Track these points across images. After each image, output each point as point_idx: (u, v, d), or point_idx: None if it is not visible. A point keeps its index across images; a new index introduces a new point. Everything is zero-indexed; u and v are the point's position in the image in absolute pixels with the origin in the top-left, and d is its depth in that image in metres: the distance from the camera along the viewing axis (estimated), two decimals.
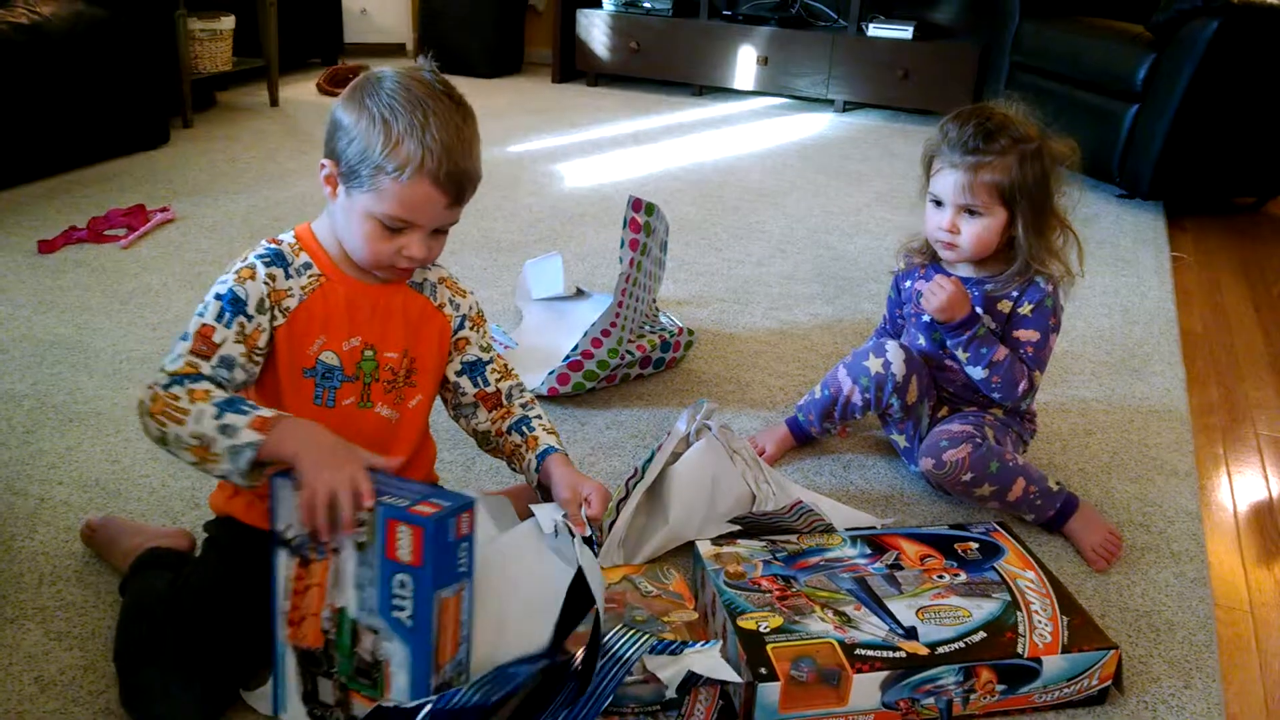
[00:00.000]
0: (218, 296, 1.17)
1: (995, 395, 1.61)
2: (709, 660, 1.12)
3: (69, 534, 1.46)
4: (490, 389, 1.37)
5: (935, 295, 1.56)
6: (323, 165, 1.20)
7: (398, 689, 1.06)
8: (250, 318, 1.17)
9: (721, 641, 1.18)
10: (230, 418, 1.08)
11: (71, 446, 1.68)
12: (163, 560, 1.32)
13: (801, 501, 1.48)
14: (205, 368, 1.14)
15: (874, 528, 1.52)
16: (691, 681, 1.17)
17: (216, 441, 1.08)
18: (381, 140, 1.12)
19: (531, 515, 1.24)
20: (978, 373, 1.59)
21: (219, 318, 1.16)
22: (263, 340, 1.19)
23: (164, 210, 2.79)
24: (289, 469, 1.08)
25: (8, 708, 1.16)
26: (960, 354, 1.59)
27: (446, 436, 1.67)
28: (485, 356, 1.37)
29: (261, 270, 1.19)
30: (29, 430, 1.72)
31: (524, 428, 1.36)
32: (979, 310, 1.59)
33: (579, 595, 1.11)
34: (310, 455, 1.07)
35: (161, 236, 2.66)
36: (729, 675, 1.12)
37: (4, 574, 1.37)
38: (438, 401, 1.39)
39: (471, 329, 1.36)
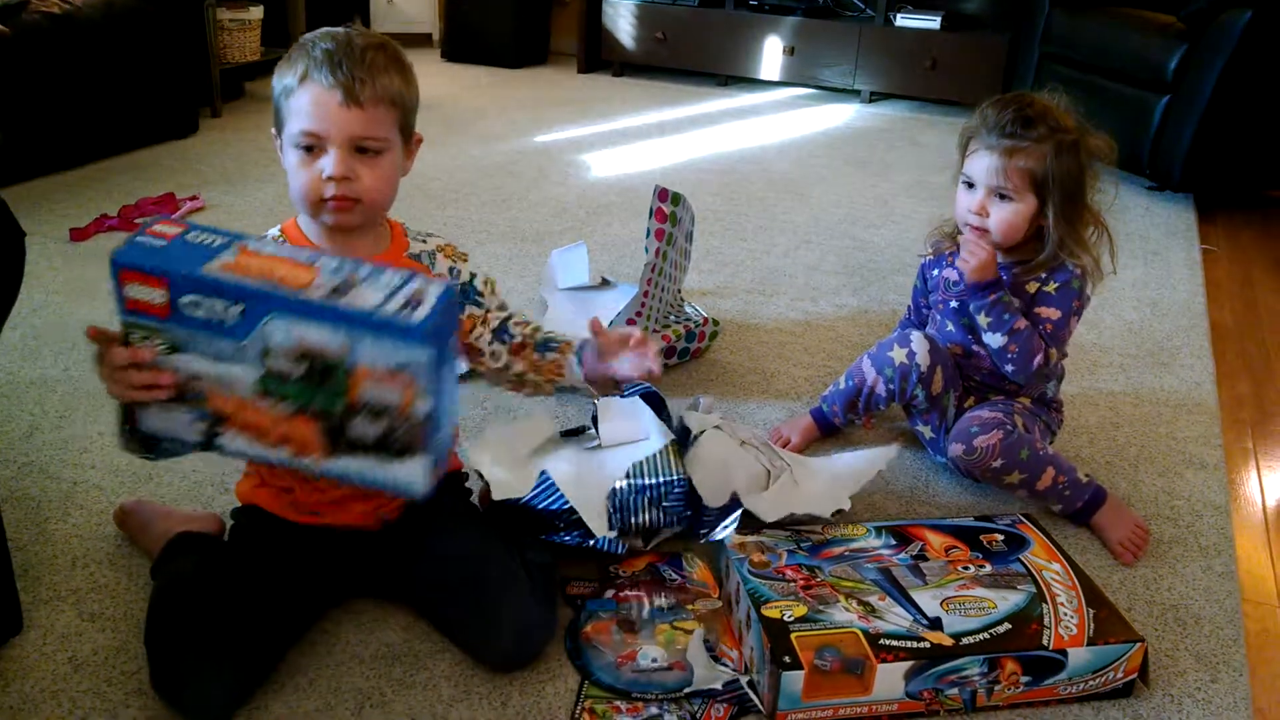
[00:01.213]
0: None
1: (1009, 368, 1.60)
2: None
3: (102, 518, 1.48)
4: (517, 339, 1.34)
5: (974, 254, 1.55)
6: (273, 134, 1.25)
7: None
8: None
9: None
10: None
11: (103, 432, 1.70)
12: (193, 544, 1.34)
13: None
14: None
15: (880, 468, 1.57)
16: (712, 694, 1.19)
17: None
18: (285, 70, 1.20)
19: None
20: (996, 339, 1.58)
21: None
22: None
23: (193, 199, 2.82)
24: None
25: (42, 686, 1.18)
26: (982, 319, 1.58)
27: None
28: (504, 315, 1.36)
29: None
30: (62, 415, 1.74)
31: (550, 343, 1.34)
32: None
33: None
34: None
35: None
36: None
37: (38, 556, 1.40)
38: None
39: (490, 295, 1.36)
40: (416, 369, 0.98)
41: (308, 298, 0.96)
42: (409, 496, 1.08)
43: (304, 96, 1.17)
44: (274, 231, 1.28)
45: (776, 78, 4.72)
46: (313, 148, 1.18)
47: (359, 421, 1.02)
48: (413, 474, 1.05)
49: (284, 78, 1.19)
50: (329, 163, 1.18)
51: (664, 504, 1.40)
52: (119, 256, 0.96)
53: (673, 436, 1.49)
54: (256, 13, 3.89)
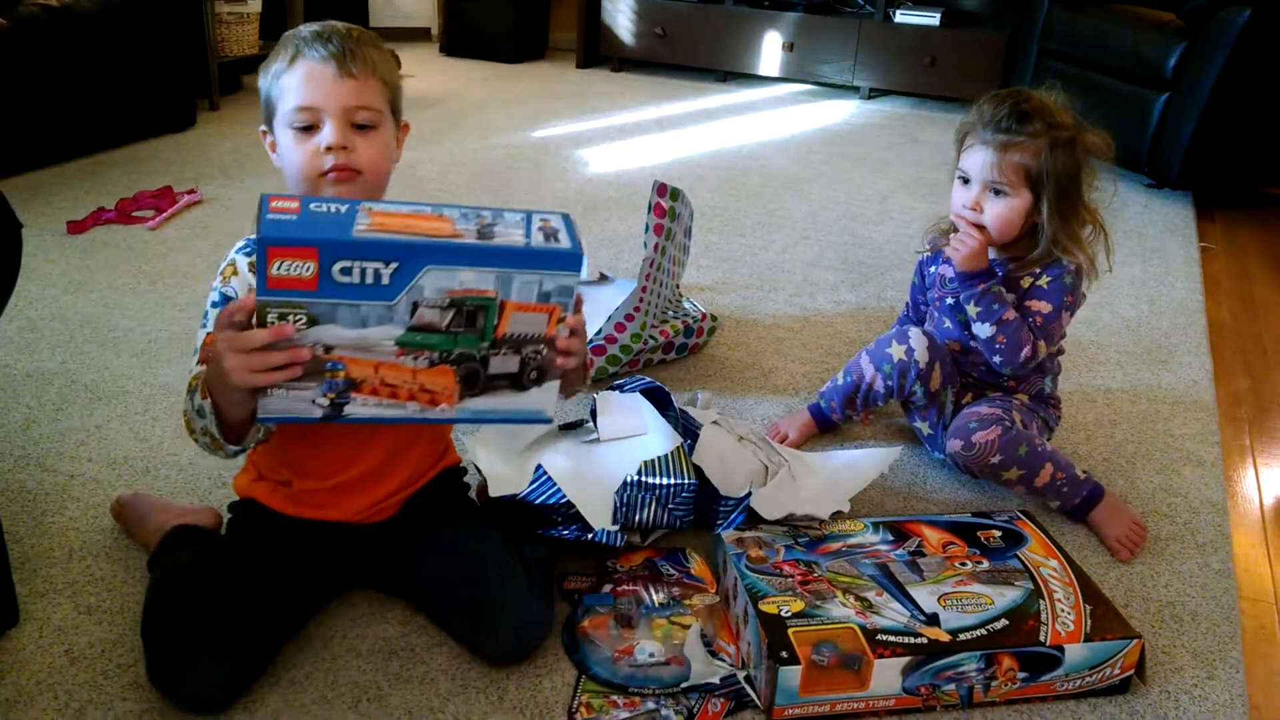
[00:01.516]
0: (212, 304, 1.20)
1: (997, 359, 1.60)
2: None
3: (98, 510, 1.48)
4: None
5: (964, 243, 1.56)
6: (262, 133, 1.26)
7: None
8: None
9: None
10: (197, 398, 1.11)
11: (100, 424, 1.70)
12: (190, 537, 1.34)
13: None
14: None
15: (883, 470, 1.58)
16: (709, 689, 1.19)
17: (206, 424, 1.11)
18: (274, 59, 1.21)
19: None
20: (985, 330, 1.58)
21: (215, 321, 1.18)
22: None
23: (191, 192, 2.81)
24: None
25: (39, 679, 1.18)
26: (971, 308, 1.58)
27: None
28: None
29: (243, 262, 1.22)
30: (59, 408, 1.74)
31: None
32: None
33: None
34: (216, 373, 1.04)
35: (189, 218, 2.68)
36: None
37: (35, 549, 1.39)
38: None
39: None
40: (564, 293, 1.02)
41: (464, 243, 0.97)
42: (539, 423, 1.12)
43: (296, 74, 1.18)
44: None
45: (776, 74, 4.72)
46: (309, 126, 1.18)
47: (499, 359, 1.05)
48: (544, 400, 1.09)
49: (272, 66, 1.21)
50: (327, 133, 1.18)
51: (669, 505, 1.40)
52: (266, 233, 0.92)
53: (679, 439, 1.49)
54: (255, 6, 3.89)
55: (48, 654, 1.22)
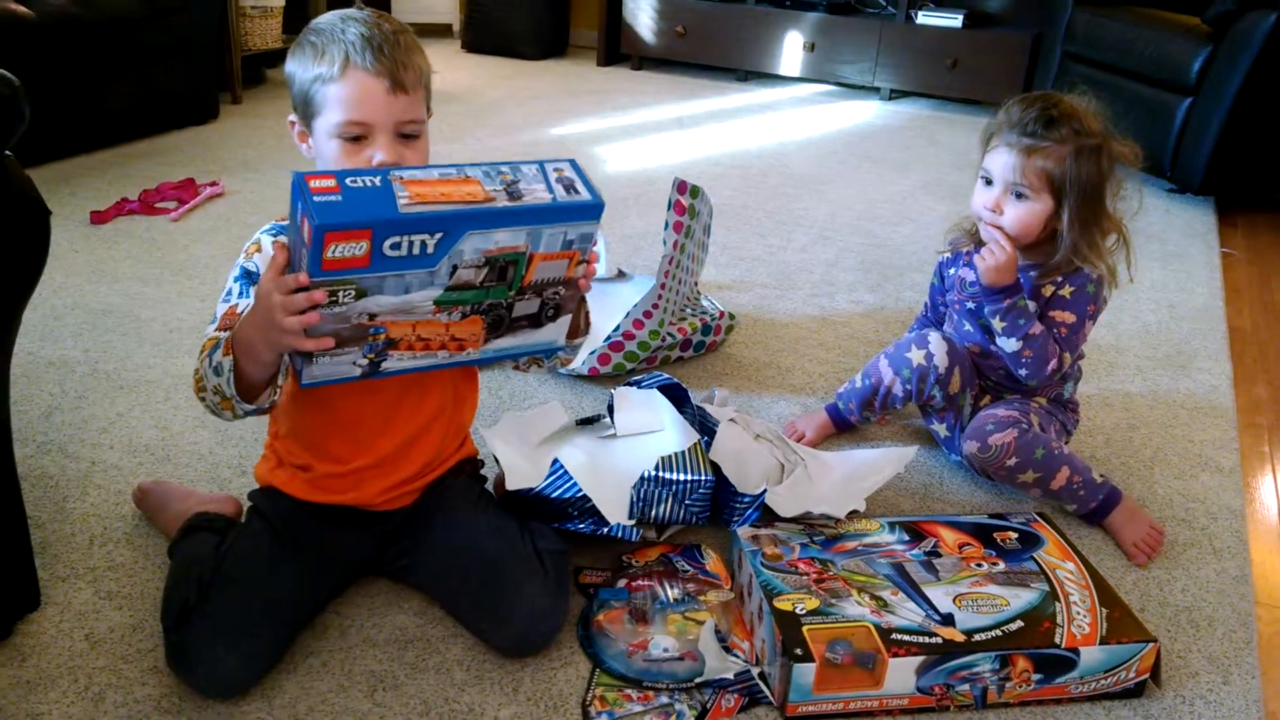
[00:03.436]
0: (234, 279, 1.21)
1: (1023, 372, 1.59)
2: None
3: (119, 497, 1.49)
4: None
5: (992, 255, 1.54)
6: (291, 123, 1.24)
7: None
8: None
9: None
10: (216, 355, 1.12)
11: (122, 412, 1.71)
12: (210, 525, 1.35)
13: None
14: (225, 336, 1.16)
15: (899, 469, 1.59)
16: (722, 685, 1.19)
17: (220, 382, 1.11)
18: (312, 57, 1.18)
19: None
20: (1011, 344, 1.57)
21: (239, 294, 1.20)
22: None
23: (213, 184, 2.83)
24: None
25: (59, 663, 1.19)
26: (997, 323, 1.57)
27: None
28: None
29: (267, 241, 1.23)
30: (81, 396, 1.76)
31: None
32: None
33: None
34: (252, 336, 1.06)
35: (211, 209, 2.70)
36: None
37: (57, 534, 1.41)
38: None
39: None
40: (585, 240, 1.09)
41: (499, 207, 1.01)
42: (552, 354, 1.23)
43: (348, 86, 1.16)
44: None
45: (796, 74, 4.71)
46: (358, 137, 1.18)
47: (523, 303, 1.12)
48: (557, 332, 1.18)
49: (316, 66, 1.17)
50: (380, 151, 1.18)
51: (686, 501, 1.40)
52: (323, 220, 0.93)
53: (697, 436, 1.49)
54: (278, 0, 3.90)
55: (68, 638, 1.23)
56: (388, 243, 0.97)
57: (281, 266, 1.02)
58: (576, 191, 1.05)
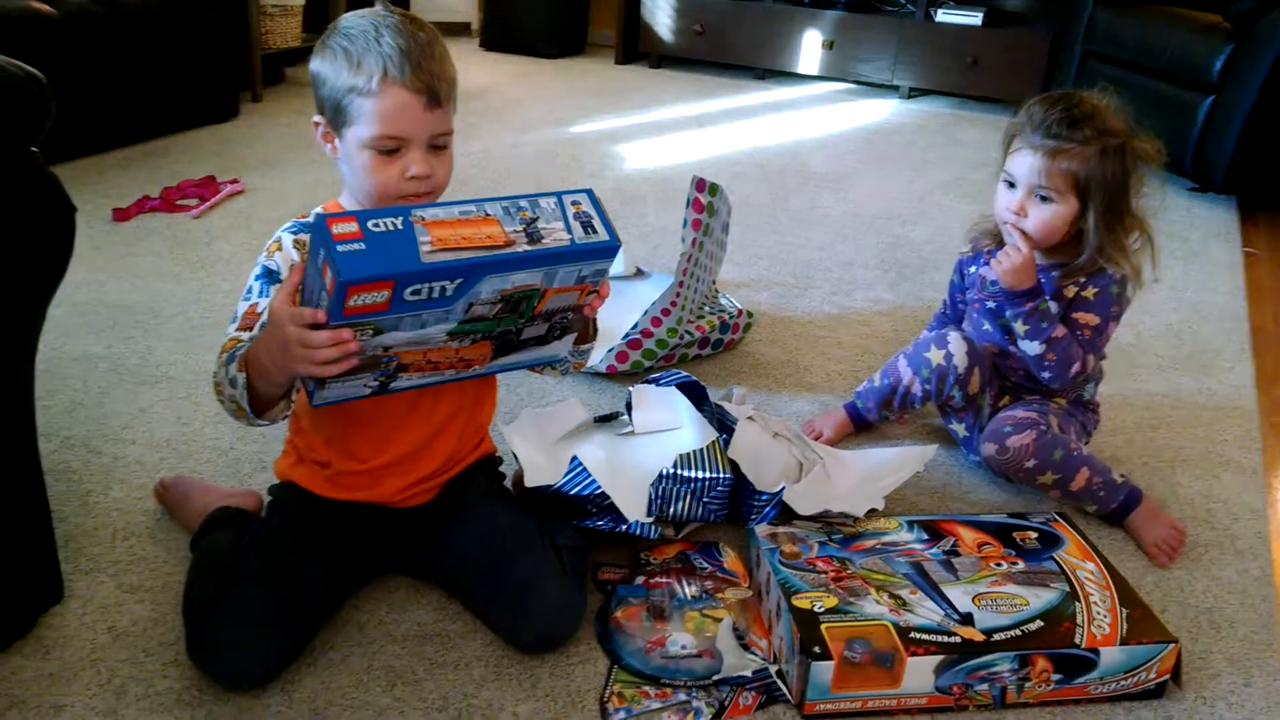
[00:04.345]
0: (255, 278, 1.21)
1: (1046, 375, 1.58)
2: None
3: (142, 492, 1.50)
4: None
5: (1009, 257, 1.53)
6: (315, 124, 1.23)
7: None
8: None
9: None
10: (232, 369, 1.12)
11: (144, 408, 1.73)
12: (231, 520, 1.36)
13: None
14: (246, 336, 1.17)
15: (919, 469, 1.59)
16: (740, 682, 1.19)
17: (235, 394, 1.12)
18: (346, 65, 1.16)
19: None
20: (1034, 348, 1.56)
21: (259, 294, 1.20)
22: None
23: (234, 182, 2.84)
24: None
25: (82, 655, 1.20)
26: (1019, 326, 1.56)
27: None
28: None
29: (288, 240, 1.23)
30: (104, 391, 1.77)
31: None
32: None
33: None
34: (265, 360, 1.07)
35: (231, 207, 2.72)
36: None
37: (80, 528, 1.42)
38: None
39: None
40: (598, 274, 1.11)
41: (517, 252, 1.02)
42: (555, 364, 1.27)
43: (385, 101, 1.14)
44: (317, 210, 1.28)
45: (815, 72, 4.70)
46: (393, 150, 1.17)
47: (532, 327, 1.14)
48: (563, 346, 1.22)
49: (351, 76, 1.15)
50: (414, 164, 1.18)
51: (704, 499, 1.40)
52: (347, 275, 0.94)
53: (715, 434, 1.49)
54: None
55: (91, 630, 1.24)
56: (408, 290, 0.98)
57: (293, 289, 1.03)
58: (594, 229, 1.07)
